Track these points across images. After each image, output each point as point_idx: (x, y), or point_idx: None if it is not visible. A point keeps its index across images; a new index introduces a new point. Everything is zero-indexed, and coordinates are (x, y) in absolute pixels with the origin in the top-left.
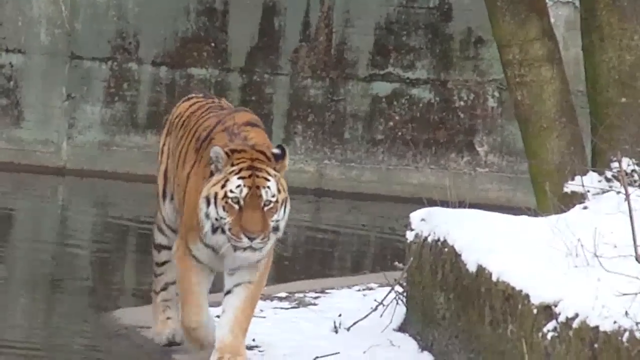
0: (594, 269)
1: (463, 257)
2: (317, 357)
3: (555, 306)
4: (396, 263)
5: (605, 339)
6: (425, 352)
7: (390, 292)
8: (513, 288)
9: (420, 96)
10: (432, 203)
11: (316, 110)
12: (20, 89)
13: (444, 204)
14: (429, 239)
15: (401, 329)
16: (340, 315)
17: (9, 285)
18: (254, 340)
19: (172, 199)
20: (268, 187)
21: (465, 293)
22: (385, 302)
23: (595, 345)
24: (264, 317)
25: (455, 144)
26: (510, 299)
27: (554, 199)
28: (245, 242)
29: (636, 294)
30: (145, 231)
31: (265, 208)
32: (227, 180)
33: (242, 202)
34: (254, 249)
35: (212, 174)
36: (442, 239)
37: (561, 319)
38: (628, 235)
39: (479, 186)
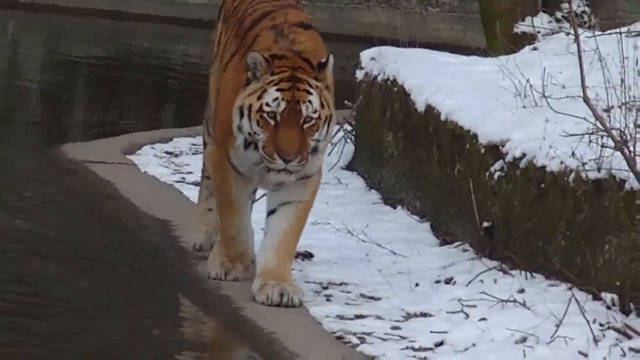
0: (542, 110)
1: (412, 97)
2: (265, 194)
3: (503, 146)
4: (345, 101)
5: (552, 179)
6: (373, 190)
7: (338, 130)
8: (461, 127)
9: None
10: (382, 42)
11: None
12: None
13: (395, 43)
14: (379, 78)
15: (349, 167)
16: None
17: None
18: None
19: None
20: (309, 102)
21: (414, 132)
22: (333, 141)
23: (542, 185)
24: None
25: None
26: (459, 138)
27: (504, 39)
28: (279, 163)
29: (583, 134)
30: (95, 68)
31: (305, 125)
32: (264, 91)
33: (278, 118)
34: (289, 172)
35: (248, 82)
36: (391, 78)
37: (508, 158)
38: (576, 76)
39: (430, 26)
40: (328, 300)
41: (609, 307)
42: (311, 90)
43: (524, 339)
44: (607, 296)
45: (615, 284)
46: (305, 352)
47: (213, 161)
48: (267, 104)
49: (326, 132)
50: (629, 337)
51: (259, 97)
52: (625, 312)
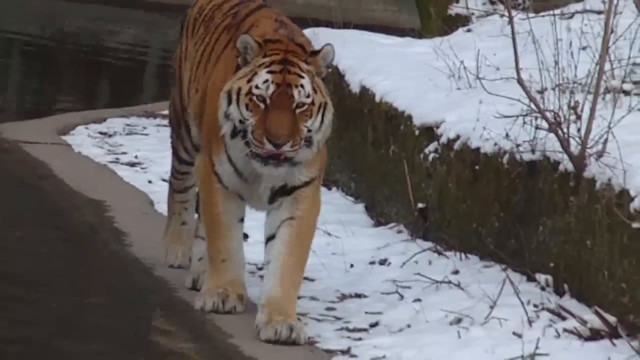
0: (476, 91)
1: (347, 78)
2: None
3: (437, 127)
4: None
5: (486, 161)
6: None
7: None
8: (396, 109)
9: None
10: (317, 23)
11: None
12: None
13: (329, 24)
14: None
15: None
16: None
17: None
18: (136, 157)
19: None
20: (301, 86)
21: (348, 114)
22: None
23: (476, 167)
24: (147, 135)
25: None
26: (393, 119)
27: (438, 20)
28: (268, 148)
29: (517, 116)
30: (29, 48)
31: (297, 110)
32: (254, 74)
33: (268, 101)
34: (277, 165)
35: (238, 69)
36: None
37: (443, 140)
38: (510, 57)
39: (365, 7)
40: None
41: (543, 289)
42: (302, 74)
43: (458, 320)
44: (541, 277)
45: (549, 265)
46: (240, 333)
47: (201, 174)
48: (257, 87)
49: (320, 121)
50: (563, 318)
51: (249, 80)
52: (559, 293)
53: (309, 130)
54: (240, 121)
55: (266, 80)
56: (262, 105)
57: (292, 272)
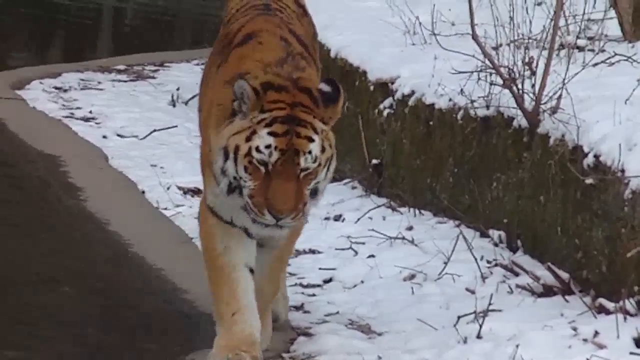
0: (431, 47)
1: None
2: (155, 130)
3: (392, 83)
4: None
5: (440, 116)
6: None
7: None
8: (351, 65)
9: None
10: None
11: None
12: None
13: None
14: None
15: None
16: (178, 89)
17: None
18: (90, 112)
19: None
20: (309, 152)
21: None
22: None
23: (430, 122)
24: (102, 90)
25: None
26: (348, 75)
27: None
28: (269, 219)
29: (472, 72)
30: None
31: (302, 174)
32: (253, 133)
33: (270, 167)
34: (279, 227)
35: (234, 114)
36: None
37: (397, 96)
38: (465, 13)
39: None
40: None
41: (496, 244)
42: (314, 136)
43: (412, 276)
44: (495, 233)
45: (503, 221)
46: (192, 288)
47: (200, 214)
48: (258, 150)
49: (325, 174)
50: (516, 274)
51: (247, 139)
52: (512, 249)
53: (317, 182)
54: (235, 178)
55: (269, 145)
56: (262, 169)
57: (266, 296)
